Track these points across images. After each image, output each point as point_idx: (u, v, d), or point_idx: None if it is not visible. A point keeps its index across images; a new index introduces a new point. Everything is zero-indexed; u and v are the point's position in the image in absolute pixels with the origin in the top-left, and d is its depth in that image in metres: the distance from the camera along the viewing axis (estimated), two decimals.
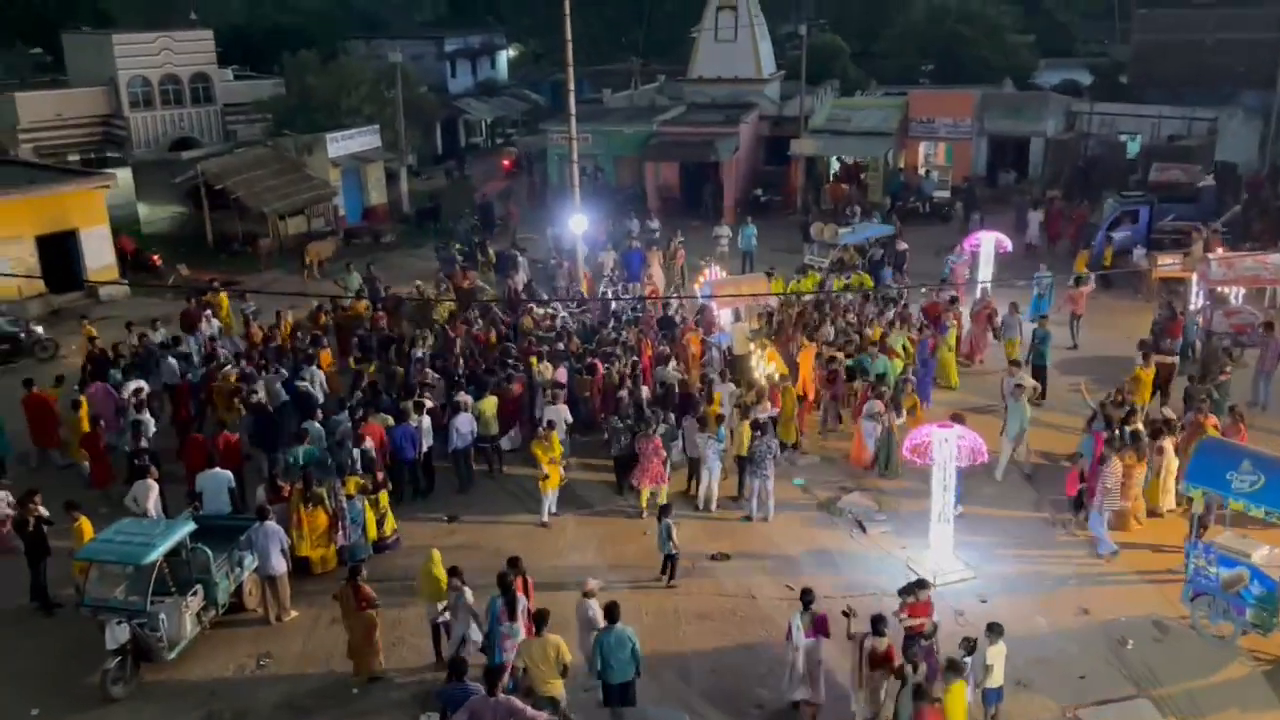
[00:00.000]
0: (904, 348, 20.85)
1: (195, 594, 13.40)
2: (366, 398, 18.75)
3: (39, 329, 25.44)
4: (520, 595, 12.22)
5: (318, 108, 40.99)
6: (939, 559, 14.96)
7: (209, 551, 13.65)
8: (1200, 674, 12.77)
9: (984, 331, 22.95)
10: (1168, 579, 14.59)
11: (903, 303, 23.99)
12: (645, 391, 19.00)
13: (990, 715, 11.64)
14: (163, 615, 12.80)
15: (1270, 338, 20.32)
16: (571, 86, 26.90)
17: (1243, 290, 23.23)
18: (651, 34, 62.98)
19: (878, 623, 11.46)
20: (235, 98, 47.33)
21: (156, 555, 12.82)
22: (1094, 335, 23.89)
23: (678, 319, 23.60)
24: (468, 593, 12.28)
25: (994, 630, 11.47)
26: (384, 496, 15.91)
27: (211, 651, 13.57)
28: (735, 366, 20.87)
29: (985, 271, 26.00)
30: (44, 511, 14.59)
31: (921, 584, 12.33)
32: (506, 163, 47.56)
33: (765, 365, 19.94)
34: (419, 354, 20.91)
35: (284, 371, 19.93)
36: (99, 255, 29.80)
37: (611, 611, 11.58)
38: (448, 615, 12.84)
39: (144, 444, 17.27)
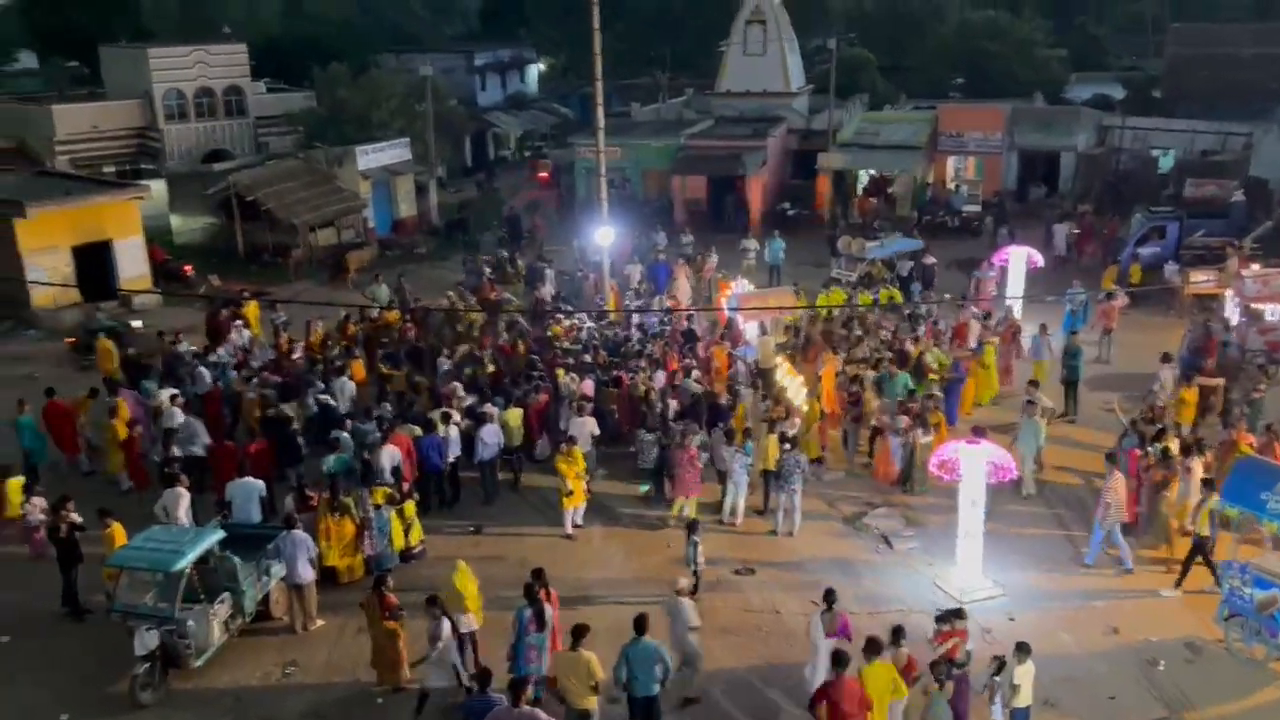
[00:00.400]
0: (939, 364, 20.70)
1: (223, 602, 13.50)
2: (396, 409, 18.87)
3: (137, 323, 25.58)
4: (547, 606, 12.22)
5: (349, 120, 41.38)
6: (966, 576, 14.82)
7: (237, 560, 13.76)
8: (1233, 697, 12.56)
9: (1008, 350, 22.44)
10: (1199, 598, 14.38)
11: (932, 319, 23.76)
12: (673, 404, 19.00)
13: None
14: (191, 622, 12.91)
15: None
16: (600, 100, 27.04)
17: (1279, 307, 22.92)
18: (679, 48, 63.15)
19: (897, 634, 11.45)
20: (267, 110, 47.91)
21: (186, 562, 12.92)
22: (1126, 352, 23.61)
23: (699, 331, 23.59)
24: (445, 624, 12.07)
25: (1022, 649, 11.36)
26: (410, 507, 15.96)
27: (238, 659, 13.65)
28: (761, 380, 20.82)
29: (1015, 287, 25.80)
30: (76, 518, 14.74)
31: (958, 613, 12.07)
32: (544, 174, 47.64)
33: (790, 379, 19.88)
34: (445, 365, 21.03)
35: (318, 384, 20.05)
36: (133, 265, 30.17)
37: (639, 624, 11.54)
38: (474, 625, 12.86)
39: (175, 452, 17.43)
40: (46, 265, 27.70)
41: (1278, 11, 56.44)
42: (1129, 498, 15.78)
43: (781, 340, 23.07)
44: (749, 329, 23.05)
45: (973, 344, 22.46)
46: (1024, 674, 11.29)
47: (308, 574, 14.12)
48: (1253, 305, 23.04)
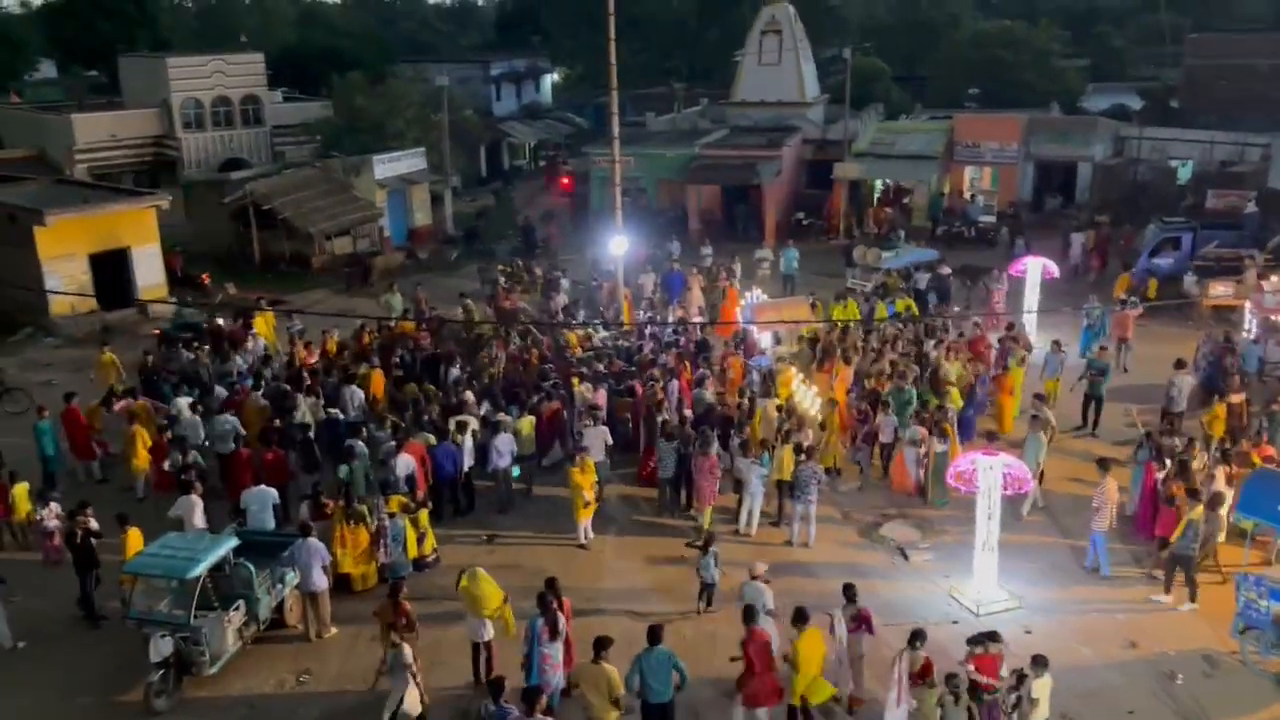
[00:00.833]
0: (957, 376, 20.49)
1: (237, 609, 13.52)
2: (410, 417, 18.90)
3: (220, 321, 25.73)
4: (560, 615, 12.19)
5: (365, 130, 41.57)
6: (983, 588, 14.73)
7: (251, 567, 13.78)
8: (1252, 711, 12.44)
9: (972, 367, 21.48)
10: (1217, 610, 14.23)
11: (958, 332, 23.47)
12: (688, 413, 18.95)
13: None
14: (205, 629, 12.93)
15: None
16: (615, 110, 27.06)
17: None
18: (695, 58, 63.26)
19: (916, 637, 11.46)
20: (284, 119, 48.18)
21: (201, 570, 12.96)
22: (1144, 363, 23.43)
23: (712, 341, 23.57)
24: (406, 650, 11.94)
25: (1039, 663, 11.28)
26: (424, 515, 15.97)
27: (252, 667, 13.66)
28: (775, 390, 20.72)
29: (1031, 298, 25.63)
30: (94, 524, 14.80)
31: (993, 636, 11.77)
32: (565, 180, 47.74)
33: (805, 389, 19.80)
34: (454, 374, 21.04)
35: (318, 397, 20.01)
36: (149, 273, 30.35)
37: (653, 633, 11.52)
38: (490, 634, 12.85)
39: (193, 459, 17.50)
40: (64, 272, 27.88)
41: None
42: (1142, 513, 15.71)
43: (795, 350, 23.00)
44: (764, 338, 23.00)
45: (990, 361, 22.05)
46: (1042, 688, 11.20)
47: (322, 582, 14.13)
48: (1273, 317, 22.88)
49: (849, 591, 12.61)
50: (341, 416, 19.35)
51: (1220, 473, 15.73)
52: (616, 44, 25.91)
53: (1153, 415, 19.76)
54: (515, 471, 18.09)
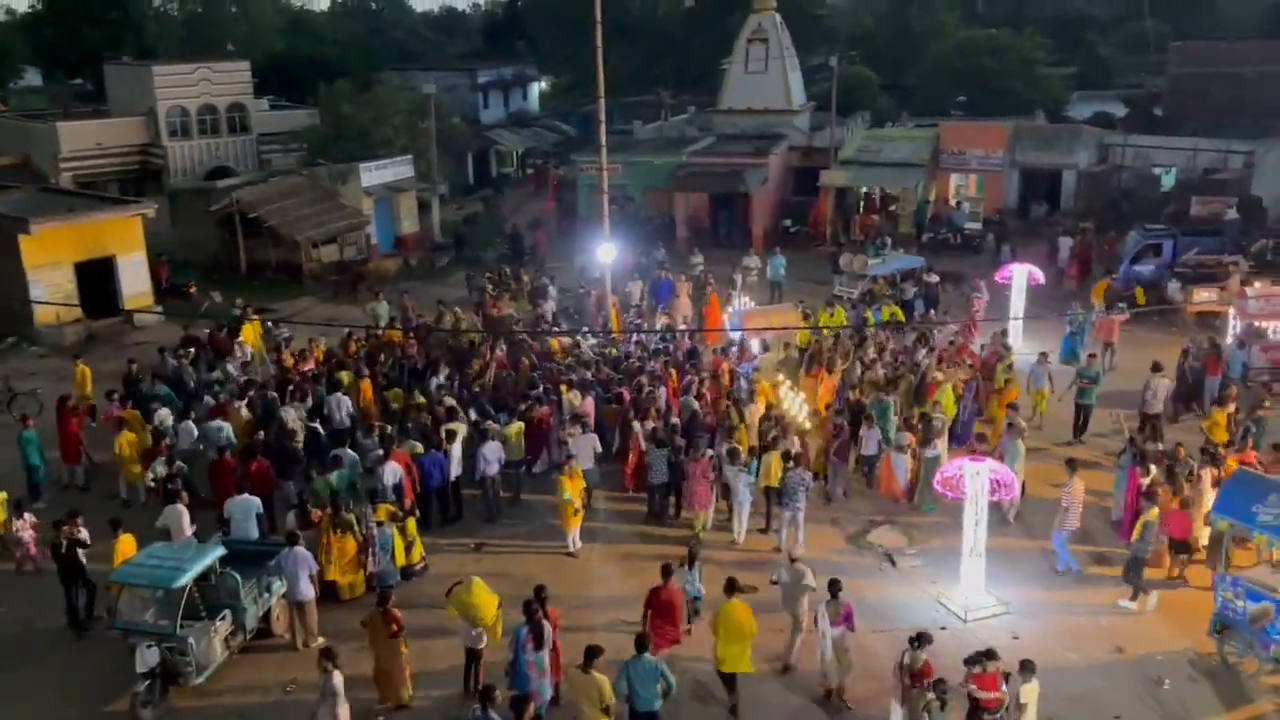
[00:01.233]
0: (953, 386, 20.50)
1: (224, 618, 13.47)
2: (397, 425, 18.85)
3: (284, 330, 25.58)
4: (545, 624, 12.17)
5: (352, 138, 41.53)
6: (970, 594, 14.77)
7: (238, 576, 13.73)
8: (1237, 715, 12.52)
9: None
10: (1200, 614, 14.26)
11: (949, 340, 23.43)
12: (675, 420, 18.94)
13: None
14: (192, 639, 12.86)
15: None
16: (603, 117, 27.08)
17: None
18: (682, 66, 63.36)
19: (920, 639, 11.56)
20: (270, 127, 48.09)
21: (186, 579, 12.89)
22: (1128, 371, 23.51)
23: (700, 349, 23.58)
24: (336, 676, 11.73)
25: (1027, 668, 11.31)
26: (411, 524, 15.93)
27: (239, 676, 13.60)
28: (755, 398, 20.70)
29: (1017, 305, 25.71)
30: (83, 534, 14.67)
31: (990, 654, 11.70)
32: (555, 184, 47.69)
33: (792, 396, 19.81)
34: (439, 381, 21.01)
35: (300, 405, 19.94)
36: (135, 281, 30.22)
37: (640, 642, 11.53)
38: (485, 641, 12.84)
39: (177, 468, 17.40)
40: (50, 281, 27.74)
41: None
42: (1127, 518, 15.80)
43: (782, 357, 23.02)
44: (752, 345, 23.03)
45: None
46: (1029, 693, 11.23)
47: (308, 591, 14.07)
48: (1256, 323, 23.02)
49: (834, 586, 12.76)
50: (322, 431, 19.25)
51: (1207, 474, 15.85)
52: (604, 52, 25.97)
53: (1135, 419, 19.87)
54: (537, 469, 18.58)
